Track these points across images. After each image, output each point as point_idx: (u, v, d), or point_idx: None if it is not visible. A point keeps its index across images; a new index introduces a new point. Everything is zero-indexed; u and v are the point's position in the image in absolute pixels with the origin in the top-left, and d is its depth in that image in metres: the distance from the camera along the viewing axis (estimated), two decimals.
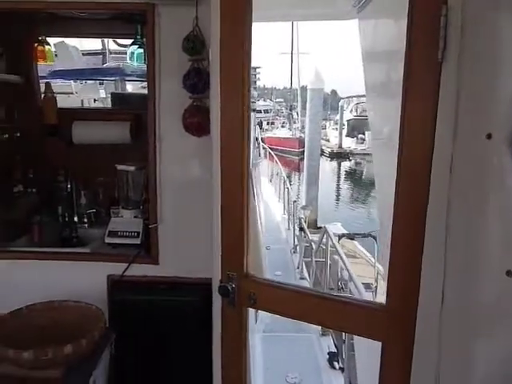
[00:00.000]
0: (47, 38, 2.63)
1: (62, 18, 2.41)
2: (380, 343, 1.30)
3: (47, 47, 2.49)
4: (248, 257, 1.47)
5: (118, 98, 2.78)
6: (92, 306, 1.90)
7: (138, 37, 2.34)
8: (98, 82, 5.16)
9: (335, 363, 3.05)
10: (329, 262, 4.04)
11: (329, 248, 4.04)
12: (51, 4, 2.02)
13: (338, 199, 18.24)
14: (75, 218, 2.54)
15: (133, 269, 2.14)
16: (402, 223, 1.17)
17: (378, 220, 1.87)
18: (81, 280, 2.14)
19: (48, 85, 2.56)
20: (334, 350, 3.25)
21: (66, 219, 2.54)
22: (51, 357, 1.57)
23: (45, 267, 2.17)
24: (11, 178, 2.45)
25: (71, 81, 4.62)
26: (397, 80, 1.19)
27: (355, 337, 2.54)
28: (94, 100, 4.90)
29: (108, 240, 2.24)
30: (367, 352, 2.03)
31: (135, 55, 2.40)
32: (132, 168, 2.31)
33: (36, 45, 2.48)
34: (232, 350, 1.56)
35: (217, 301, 1.57)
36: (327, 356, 3.13)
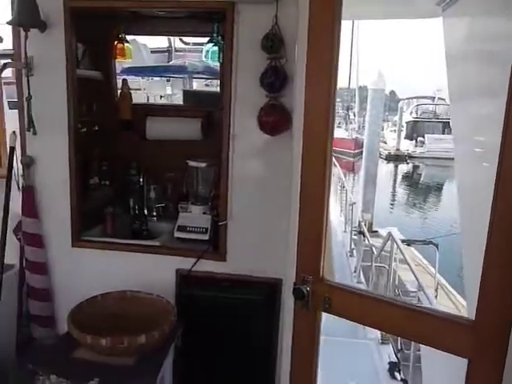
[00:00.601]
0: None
1: (141, 16, 2.49)
2: (463, 359, 1.23)
3: (126, 45, 2.57)
4: (325, 260, 1.45)
5: (190, 95, 2.83)
6: (163, 298, 1.94)
7: (215, 35, 2.36)
8: (165, 78, 5.26)
9: (396, 374, 2.95)
10: (393, 268, 3.92)
11: (393, 254, 3.92)
12: (135, 3, 2.09)
13: (392, 203, 17.71)
14: (145, 211, 2.61)
15: (200, 264, 2.16)
16: (500, 238, 1.10)
17: (461, 231, 1.77)
18: (150, 272, 2.20)
19: (125, 81, 2.65)
20: (394, 359, 3.15)
21: (137, 212, 2.62)
22: (126, 345, 1.62)
23: (118, 257, 2.24)
24: (88, 170, 2.55)
25: (139, 77, 4.73)
26: (499, 84, 1.12)
27: (422, 348, 2.45)
28: (161, 96, 5.02)
29: (177, 234, 2.29)
30: (439, 366, 1.94)
31: (210, 53, 2.43)
32: (203, 164, 2.34)
33: (116, 42, 2.57)
34: (302, 354, 1.54)
35: (288, 302, 1.55)
36: (387, 365, 3.04)
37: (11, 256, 2.18)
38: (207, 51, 2.43)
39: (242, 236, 2.12)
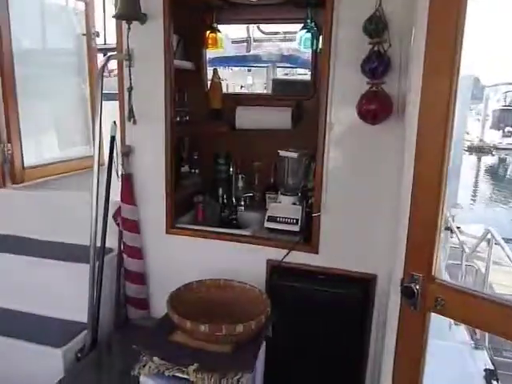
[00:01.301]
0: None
1: (234, 4, 2.48)
2: None
3: (219, 34, 2.58)
4: (438, 258, 1.35)
5: (279, 84, 2.80)
6: (256, 288, 1.94)
7: (309, 21, 2.30)
8: (245, 69, 5.28)
9: (494, 382, 2.74)
10: (487, 268, 3.66)
11: (491, 253, 3.65)
12: None
13: (474, 198, 16.63)
14: (233, 201, 2.63)
15: (291, 256, 2.13)
16: None
17: None
18: (240, 261, 2.21)
19: (215, 71, 2.67)
20: (490, 366, 2.93)
21: (225, 201, 2.64)
22: (224, 333, 1.62)
23: (209, 245, 2.27)
24: (180, 159, 2.61)
25: (220, 67, 4.77)
26: None
27: None
28: (241, 87, 5.03)
29: (267, 225, 2.27)
30: None
31: (303, 40, 2.37)
32: (294, 155, 2.30)
33: (208, 32, 2.59)
34: (408, 356, 1.45)
35: (394, 301, 1.47)
36: (483, 373, 2.84)
37: (110, 240, 2.29)
38: (300, 38, 2.37)
39: (336, 228, 2.05)
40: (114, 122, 2.27)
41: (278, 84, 2.81)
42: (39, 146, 3.05)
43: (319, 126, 1.98)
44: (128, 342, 2.09)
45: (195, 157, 2.73)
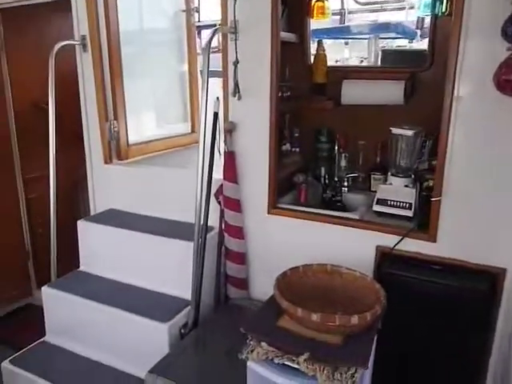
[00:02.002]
0: None
1: None
2: None
3: (326, 3, 2.41)
4: None
5: (389, 55, 2.57)
6: (367, 276, 1.80)
7: None
8: (341, 41, 5.02)
9: None
10: None
11: None
12: None
13: None
14: (336, 181, 2.49)
15: (404, 243, 1.96)
16: None
17: None
18: (346, 246, 2.08)
19: (320, 42, 2.51)
20: None
21: (327, 181, 2.51)
22: (338, 324, 1.52)
23: (312, 228, 2.17)
24: (281, 136, 2.51)
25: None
26: None
27: None
28: (336, 61, 4.78)
29: (376, 208, 2.11)
30: None
31: (422, 4, 2.12)
32: (409, 132, 2.09)
33: (314, 1, 2.42)
34: None
35: None
36: None
37: (211, 218, 2.26)
38: (420, 2, 2.13)
39: (459, 215, 1.84)
40: (217, 98, 2.21)
41: (388, 55, 2.58)
42: (140, 124, 3.12)
43: (444, 100, 1.76)
44: (230, 322, 2.10)
45: (296, 134, 2.61)
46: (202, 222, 2.11)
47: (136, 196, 2.65)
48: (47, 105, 3.15)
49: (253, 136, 2.19)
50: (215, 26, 2.19)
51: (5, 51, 3.01)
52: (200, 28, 3.50)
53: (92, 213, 2.80)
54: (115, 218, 2.56)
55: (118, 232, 2.42)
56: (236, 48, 2.03)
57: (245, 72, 2.09)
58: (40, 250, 3.32)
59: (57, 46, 2.48)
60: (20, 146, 3.12)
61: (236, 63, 2.03)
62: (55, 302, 2.39)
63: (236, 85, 2.05)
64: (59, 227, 2.64)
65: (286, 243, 2.23)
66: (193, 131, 3.39)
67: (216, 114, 2.22)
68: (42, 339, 2.43)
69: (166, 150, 3.11)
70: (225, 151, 2.23)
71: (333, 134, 2.59)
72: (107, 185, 2.73)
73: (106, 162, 2.71)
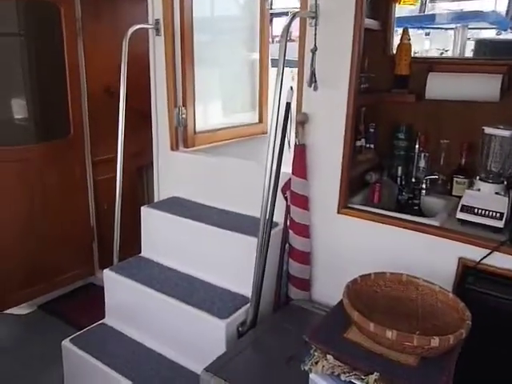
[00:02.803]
0: None
1: None
2: None
3: None
4: None
5: (485, 46, 2.31)
6: (448, 292, 1.61)
7: None
8: (421, 32, 4.70)
9: None
10: None
11: None
12: None
13: None
14: (413, 182, 2.29)
15: (492, 257, 1.74)
16: None
17: None
18: (423, 255, 1.90)
19: (405, 31, 2.31)
20: None
21: (403, 182, 2.32)
22: (416, 345, 1.36)
23: (384, 232, 1.99)
24: (355, 131, 2.34)
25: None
26: None
27: None
28: (414, 53, 4.47)
29: (461, 215, 1.90)
30: None
31: None
32: (506, 133, 1.86)
33: None
34: None
35: None
36: None
37: (276, 214, 2.15)
38: None
39: None
40: (291, 88, 2.09)
41: (483, 46, 2.32)
42: (208, 112, 3.06)
43: None
44: (290, 326, 1.99)
45: (371, 129, 2.43)
46: (267, 217, 2.01)
47: (200, 185, 2.60)
48: (116, 90, 3.20)
49: (327, 129, 2.05)
50: (288, 13, 2.06)
51: (82, 36, 3.05)
52: (272, 16, 3.37)
53: (156, 199, 2.78)
54: (178, 207, 2.52)
55: (180, 221, 2.38)
56: (315, 34, 1.88)
57: (323, 60, 1.95)
58: (104, 231, 3.38)
59: (131, 30, 2.46)
60: (90, 129, 3.17)
61: (314, 50, 1.89)
62: (115, 286, 2.39)
63: (313, 74, 1.91)
64: (123, 212, 2.64)
65: (354, 246, 2.08)
66: (260, 121, 3.30)
67: (288, 105, 2.09)
68: (101, 321, 2.45)
69: (233, 140, 3.04)
70: (295, 144, 2.11)
71: (412, 131, 2.39)
72: (172, 172, 2.70)
73: (172, 149, 2.68)
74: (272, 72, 3.36)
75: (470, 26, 3.15)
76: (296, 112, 2.12)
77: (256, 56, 3.25)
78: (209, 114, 3.07)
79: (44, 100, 3.01)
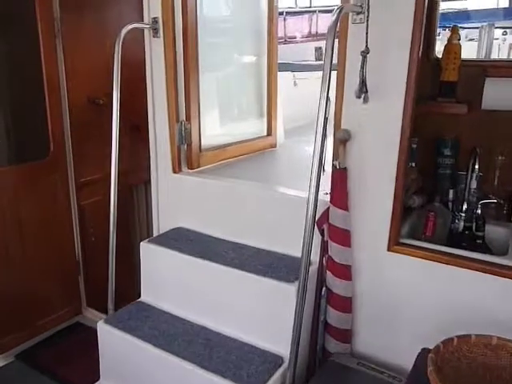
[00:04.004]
0: None
1: None
2: None
3: None
4: None
5: None
6: None
7: None
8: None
9: None
10: None
11: None
12: None
13: None
14: (466, 208, 1.94)
15: None
16: None
17: None
18: (498, 305, 1.54)
19: (455, 29, 1.96)
20: None
21: (454, 208, 1.97)
22: None
23: (442, 273, 1.64)
24: None
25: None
26: None
27: None
28: None
29: None
30: None
31: None
32: None
33: None
34: None
35: None
36: None
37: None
38: None
39: None
40: (329, 99, 1.70)
41: None
42: (211, 126, 2.65)
43: None
44: None
45: (413, 145, 2.07)
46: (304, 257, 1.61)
47: (209, 214, 2.19)
48: (102, 100, 2.78)
49: (375, 148, 1.67)
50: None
51: (61, 38, 2.60)
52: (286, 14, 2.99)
53: (155, 230, 2.36)
54: (185, 241, 2.11)
55: (189, 261, 1.97)
56: (367, 33, 1.50)
57: (372, 65, 1.57)
58: (91, 262, 2.94)
59: (124, 30, 2.04)
60: (73, 147, 2.72)
61: (366, 52, 1.51)
62: (112, 342, 1.96)
63: (363, 82, 1.53)
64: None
65: (408, 290, 1.72)
66: (269, 133, 2.91)
67: (326, 120, 1.71)
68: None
69: (243, 156, 2.64)
70: (334, 168, 1.72)
71: (458, 146, 2.05)
72: (175, 198, 2.28)
73: (174, 171, 2.26)
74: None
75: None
76: (334, 128, 1.74)
77: (263, 59, 2.86)
78: (213, 128, 2.66)
79: (16, 114, 2.55)
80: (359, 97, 1.55)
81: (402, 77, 1.55)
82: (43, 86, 2.52)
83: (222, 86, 2.73)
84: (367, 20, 1.50)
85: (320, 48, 6.02)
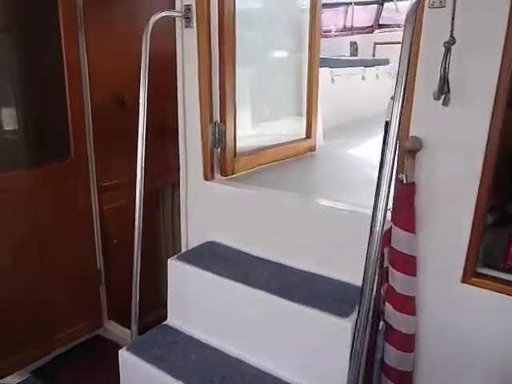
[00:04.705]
0: None
1: None
2: None
3: None
4: None
5: None
6: None
7: None
8: None
9: None
10: None
11: None
12: None
13: None
14: None
15: None
16: None
17: None
18: None
19: None
20: None
21: None
22: None
23: None
24: None
25: None
26: None
27: None
28: None
29: None
30: None
31: None
32: None
33: None
34: None
35: None
36: None
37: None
38: None
39: None
40: (392, 99, 1.42)
41: None
42: (246, 128, 2.40)
43: None
44: None
45: None
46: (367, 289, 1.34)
47: (246, 228, 1.94)
48: (129, 98, 2.57)
49: (454, 161, 1.39)
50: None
51: (84, 30, 2.38)
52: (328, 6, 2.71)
53: (183, 244, 2.12)
54: (218, 259, 1.87)
55: (225, 283, 1.72)
56: (453, 16, 1.21)
57: (456, 60, 1.28)
58: (113, 272, 2.75)
59: (153, 18, 1.80)
60: (95, 149, 2.51)
61: (450, 43, 1.22)
62: (135, 374, 1.73)
63: (445, 80, 1.25)
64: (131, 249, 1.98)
65: (486, 331, 1.43)
66: (308, 136, 2.64)
67: (387, 124, 1.43)
68: None
69: (275, 162, 2.38)
70: (399, 182, 1.45)
71: None
72: (206, 209, 2.04)
73: (206, 178, 2.02)
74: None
75: None
76: (396, 135, 1.46)
77: (302, 55, 2.59)
78: (247, 130, 2.41)
79: (36, 114, 2.35)
80: (438, 98, 1.27)
81: (492, 76, 1.26)
82: (64, 83, 2.31)
83: (255, 84, 2.48)
84: (454, 2, 1.21)
85: (355, 43, 5.72)
